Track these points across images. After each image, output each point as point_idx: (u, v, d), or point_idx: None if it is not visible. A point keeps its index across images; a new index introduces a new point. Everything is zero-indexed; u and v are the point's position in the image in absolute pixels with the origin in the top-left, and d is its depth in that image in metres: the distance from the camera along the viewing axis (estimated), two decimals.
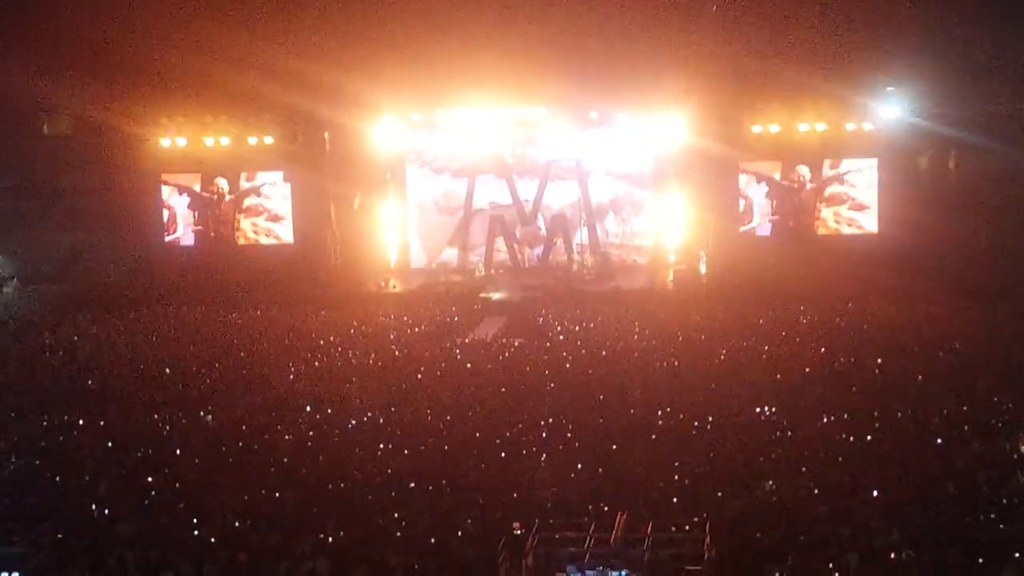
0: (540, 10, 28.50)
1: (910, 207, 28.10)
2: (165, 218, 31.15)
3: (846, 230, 29.19)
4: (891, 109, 28.51)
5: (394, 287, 29.49)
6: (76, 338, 23.73)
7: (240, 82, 28.20)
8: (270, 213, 30.87)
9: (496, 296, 28.18)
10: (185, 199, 31.09)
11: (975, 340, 20.62)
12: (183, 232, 31.16)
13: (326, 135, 30.26)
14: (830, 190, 29.16)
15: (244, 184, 30.87)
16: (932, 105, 28.21)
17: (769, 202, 29.41)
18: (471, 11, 28.30)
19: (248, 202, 30.93)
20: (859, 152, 28.85)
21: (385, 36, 28.59)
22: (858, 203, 29.03)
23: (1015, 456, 13.99)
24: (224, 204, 31.00)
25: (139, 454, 15.19)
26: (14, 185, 32.08)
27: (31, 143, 31.87)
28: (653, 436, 15.43)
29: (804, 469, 13.65)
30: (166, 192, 31.07)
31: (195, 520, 12.42)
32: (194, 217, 31.11)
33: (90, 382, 19.47)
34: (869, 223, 29.00)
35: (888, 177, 28.75)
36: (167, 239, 31.19)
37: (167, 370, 20.35)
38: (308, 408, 17.24)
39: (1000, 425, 15.28)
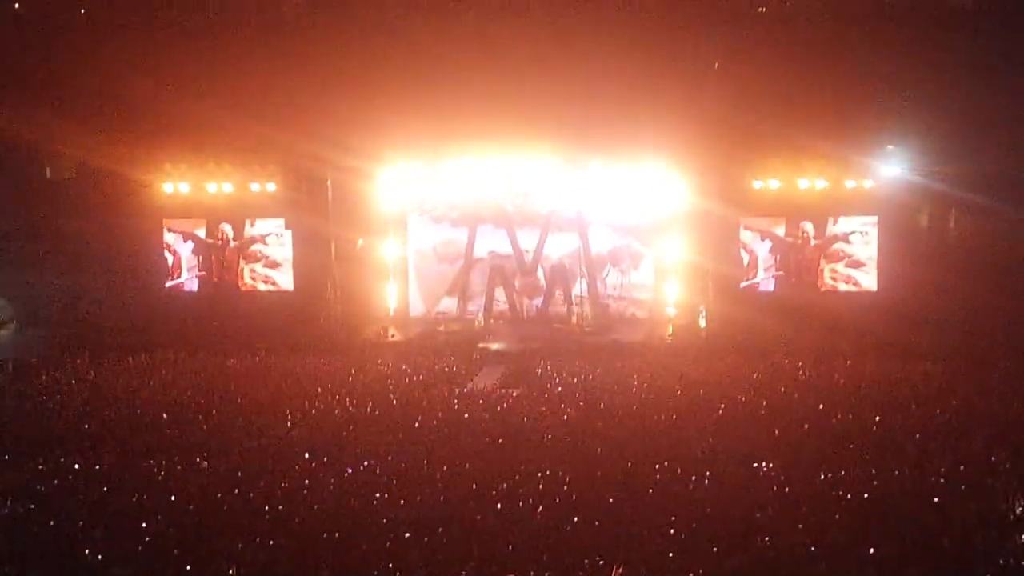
0: (543, 65, 28.66)
1: (909, 265, 28.15)
2: (169, 263, 31.13)
3: (843, 287, 29.17)
4: (891, 167, 28.61)
5: (393, 336, 29.45)
6: (73, 382, 23.66)
7: (243, 129, 28.33)
8: (268, 260, 30.84)
9: (495, 346, 28.16)
10: (189, 244, 31.07)
11: (973, 398, 20.59)
12: (186, 277, 31.13)
13: (328, 183, 30.29)
14: (833, 247, 29.18)
15: (248, 230, 30.86)
16: (932, 163, 28.33)
17: (772, 257, 29.42)
18: (477, 65, 28.49)
19: (251, 249, 30.92)
20: (859, 209, 28.87)
21: (389, 87, 28.75)
22: (855, 260, 29.02)
23: (1012, 516, 13.95)
24: (228, 250, 30.98)
25: (134, 499, 15.15)
26: (14, 228, 32.11)
27: (32, 187, 31.93)
28: (650, 490, 15.40)
29: (801, 526, 13.62)
30: (170, 238, 31.04)
31: (188, 567, 12.37)
32: (198, 262, 31.09)
33: (87, 426, 19.41)
34: (867, 280, 28.98)
35: (888, 235, 28.78)
36: (168, 284, 31.15)
37: (164, 415, 20.30)
38: (305, 455, 17.20)
39: (997, 484, 15.25)
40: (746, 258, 29.53)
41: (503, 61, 28.88)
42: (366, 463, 16.78)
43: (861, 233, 28.84)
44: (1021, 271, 27.73)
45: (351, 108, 28.29)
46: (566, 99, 28.28)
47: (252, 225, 30.83)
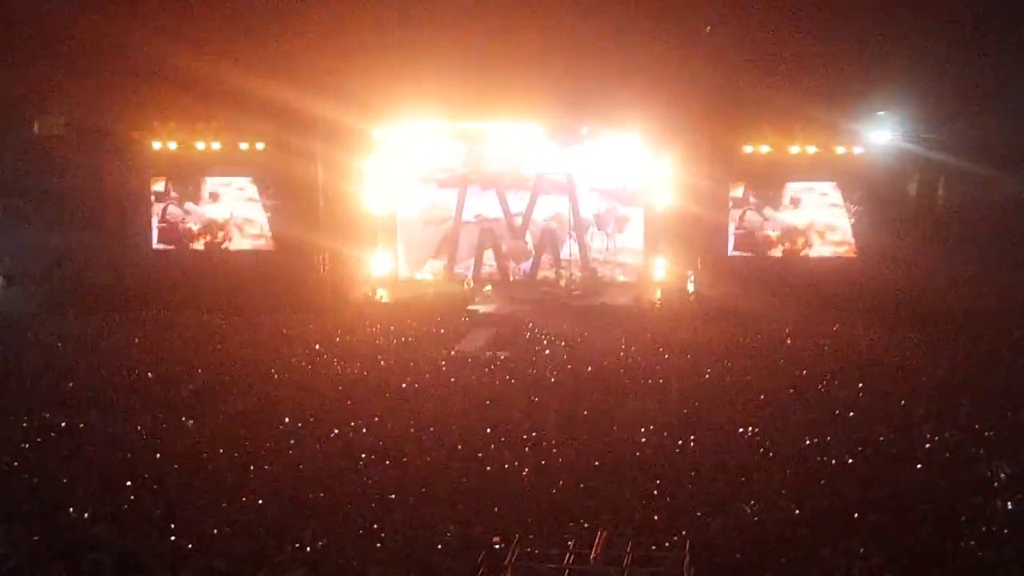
0: (533, 31, 28.46)
1: (897, 232, 28.17)
2: (154, 222, 31.02)
3: (829, 252, 29.18)
4: (882, 133, 28.55)
5: (381, 297, 29.43)
6: (58, 340, 23.61)
7: (234, 86, 28.13)
8: (254, 221, 30.78)
9: (483, 309, 28.14)
10: (175, 203, 30.96)
11: (958, 366, 20.64)
12: (169, 235, 31.03)
13: (317, 143, 30.16)
14: (819, 214, 29.15)
15: (232, 189, 30.75)
16: (923, 129, 28.26)
17: (760, 224, 29.41)
18: (467, 31, 28.30)
19: (234, 207, 30.80)
20: (849, 176, 28.86)
21: (379, 49, 28.55)
22: (843, 228, 29.03)
23: (996, 482, 14.00)
24: (212, 209, 30.90)
25: (118, 458, 15.14)
26: (1, 185, 31.94)
27: (19, 143, 31.69)
28: (636, 453, 15.43)
29: (785, 491, 13.66)
30: (156, 196, 30.93)
31: (172, 526, 12.37)
32: (182, 221, 30.98)
33: (71, 384, 19.37)
34: (855, 247, 28.99)
35: (876, 201, 28.78)
36: (155, 243, 31.05)
37: (149, 374, 20.28)
38: (289, 417, 17.19)
39: (982, 451, 15.31)
40: (732, 225, 29.52)
41: (493, 27, 28.66)
42: (352, 424, 16.78)
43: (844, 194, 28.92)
44: (1008, 239, 27.71)
45: (345, 68, 28.11)
46: (556, 65, 28.12)
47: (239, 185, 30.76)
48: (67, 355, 22.17)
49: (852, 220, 28.96)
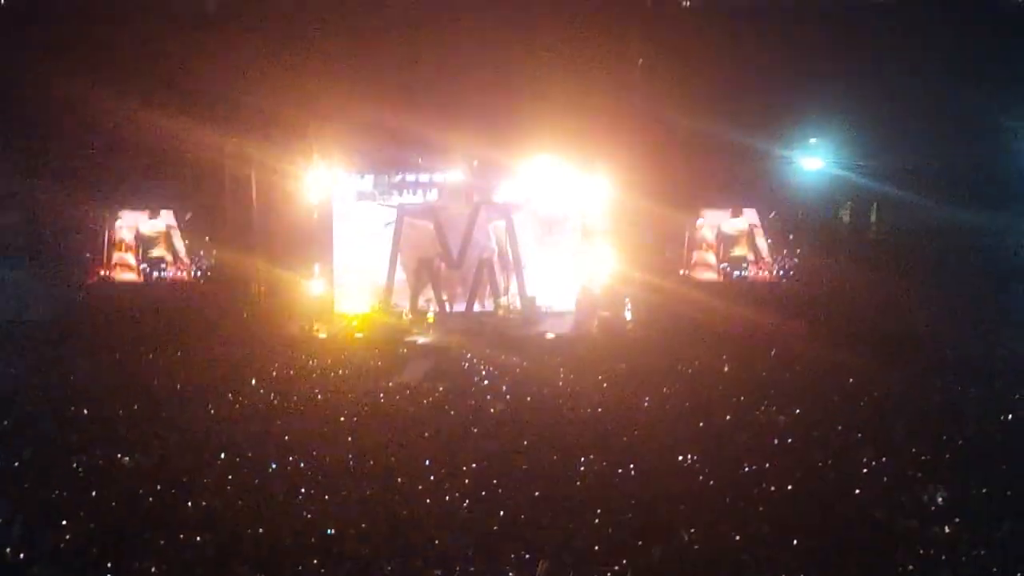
0: (479, 62, 28.58)
1: (833, 257, 28.53)
2: (88, 254, 30.76)
3: (764, 274, 29.50)
4: (814, 160, 28.92)
5: (318, 331, 29.26)
6: None
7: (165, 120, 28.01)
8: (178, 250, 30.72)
9: (421, 340, 28.11)
10: (108, 234, 30.75)
11: (894, 389, 20.85)
12: (105, 268, 30.81)
13: (252, 175, 30.04)
14: (757, 238, 29.46)
15: (169, 221, 30.65)
16: (855, 157, 28.66)
17: (700, 247, 29.71)
18: (413, 71, 28.41)
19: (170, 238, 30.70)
20: (782, 201, 29.21)
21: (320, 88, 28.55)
22: (778, 250, 29.37)
23: (932, 507, 14.15)
24: (145, 240, 30.73)
25: (54, 495, 14.93)
26: None
27: None
28: (576, 483, 15.45)
29: (726, 517, 13.72)
30: (97, 227, 30.73)
31: (110, 564, 12.23)
32: (116, 254, 30.74)
33: (5, 421, 19.09)
34: (791, 272, 29.31)
35: (811, 226, 29.14)
36: (90, 277, 30.77)
37: (84, 410, 20.02)
38: (228, 450, 17.05)
39: (919, 475, 15.47)
40: (671, 249, 29.78)
41: (437, 57, 28.77)
42: (290, 458, 16.66)
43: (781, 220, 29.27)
44: (939, 263, 28.13)
45: (279, 96, 28.07)
46: (498, 97, 28.29)
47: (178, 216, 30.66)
48: (4, 393, 21.85)
49: (785, 246, 29.28)
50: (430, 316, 29.91)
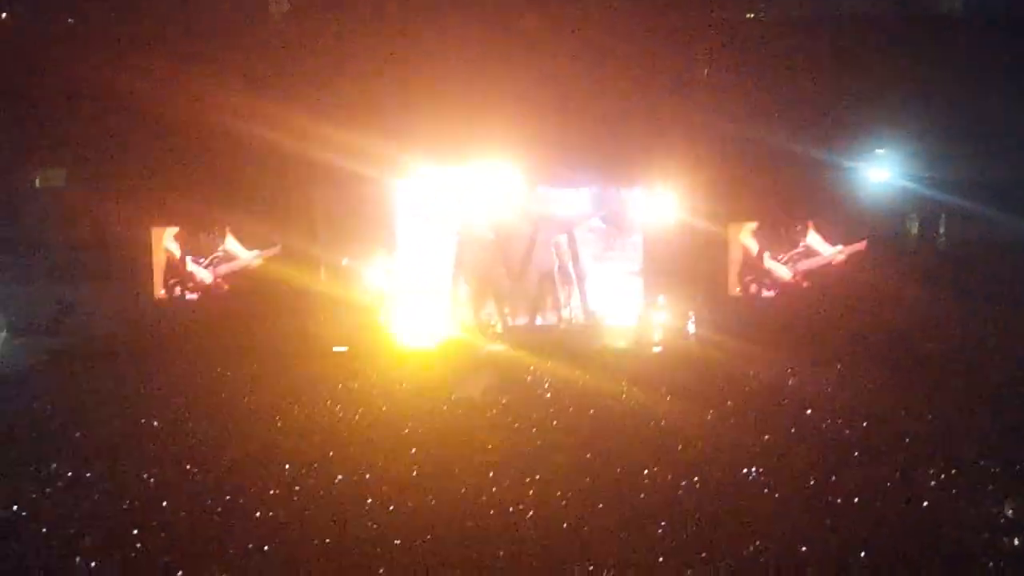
0: (533, 77, 28.61)
1: (896, 271, 28.29)
2: (160, 271, 31.14)
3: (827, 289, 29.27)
4: (880, 172, 28.67)
5: (381, 344, 29.39)
6: (64, 390, 23.61)
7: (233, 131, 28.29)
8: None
9: (484, 353, 28.17)
10: (177, 252, 31.12)
11: (962, 404, 20.64)
12: (175, 285, 31.15)
13: (315, 194, 30.33)
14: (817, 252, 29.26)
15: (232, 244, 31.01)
16: (921, 168, 28.38)
17: (761, 262, 29.52)
18: (471, 88, 28.49)
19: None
20: (849, 214, 29.00)
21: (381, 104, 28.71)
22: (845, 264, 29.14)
23: (1003, 520, 14.00)
24: (215, 258, 31.04)
25: (124, 507, 15.13)
26: (5, 238, 32.07)
27: (23, 196, 31.82)
28: (640, 495, 15.42)
29: (792, 531, 13.64)
30: (161, 244, 31.10)
31: (180, 574, 12.36)
32: (184, 270, 31.10)
33: (78, 434, 19.36)
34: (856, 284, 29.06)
35: (877, 239, 28.89)
36: (160, 292, 31.15)
37: (155, 423, 20.28)
38: (294, 463, 17.18)
39: (988, 488, 15.31)
40: (734, 264, 29.62)
41: (495, 77, 28.82)
42: (356, 470, 16.77)
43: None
44: (1008, 278, 27.79)
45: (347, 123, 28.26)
46: (557, 110, 28.32)
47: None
48: (73, 405, 22.16)
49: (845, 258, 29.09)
50: (497, 327, 29.98)
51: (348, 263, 30.91)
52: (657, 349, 28.35)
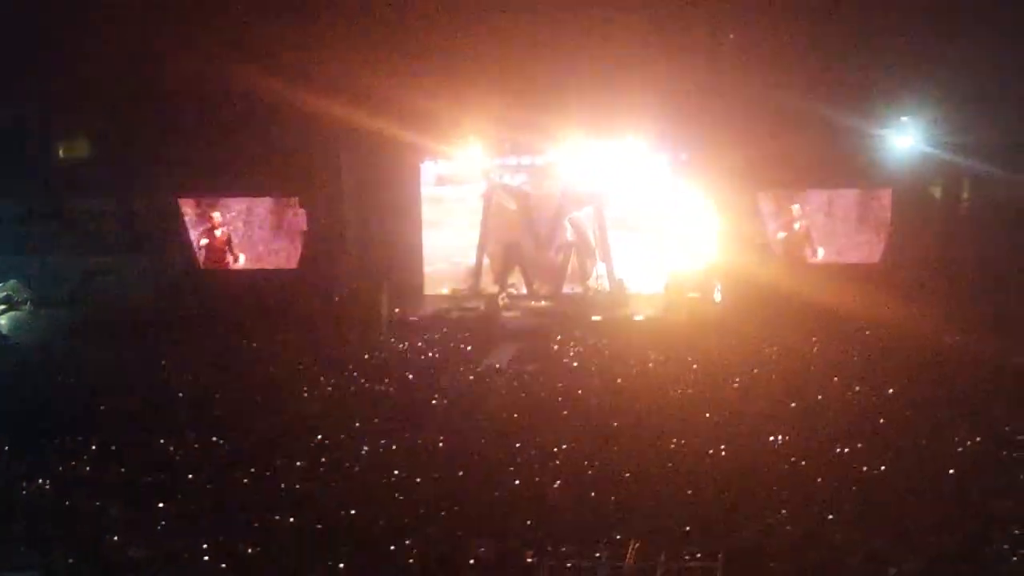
0: (559, 51, 28.43)
1: (924, 235, 28.13)
2: (181, 241, 31.25)
3: (854, 258, 29.10)
4: (905, 138, 28.45)
5: (409, 314, 29.44)
6: (89, 362, 23.74)
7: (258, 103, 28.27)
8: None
9: (510, 322, 28.19)
10: (197, 222, 31.24)
11: (991, 369, 20.51)
12: (198, 255, 31.28)
13: (340, 156, 30.34)
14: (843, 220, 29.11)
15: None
16: (946, 134, 28.11)
17: (791, 229, 29.39)
18: (498, 58, 28.34)
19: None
20: (875, 181, 28.78)
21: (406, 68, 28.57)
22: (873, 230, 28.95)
23: None
24: (237, 227, 31.15)
25: (150, 479, 15.21)
26: (28, 209, 32.21)
27: (44, 168, 31.87)
28: (668, 464, 15.41)
29: (817, 498, 13.62)
30: (182, 215, 31.22)
31: (206, 546, 12.43)
32: (208, 241, 31.21)
33: (102, 406, 19.46)
34: (882, 251, 28.89)
35: (902, 206, 28.69)
36: (182, 263, 31.28)
37: (180, 394, 20.37)
38: (321, 435, 17.24)
39: (1015, 455, 15.25)
40: (761, 231, 29.50)
41: (522, 49, 28.66)
42: (382, 441, 16.81)
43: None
44: None
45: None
46: (583, 81, 28.19)
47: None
48: (99, 378, 22.27)
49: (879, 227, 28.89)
50: (502, 300, 29.98)
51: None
52: (683, 317, 28.19)
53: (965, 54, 26.89)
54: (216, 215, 31.17)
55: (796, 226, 29.44)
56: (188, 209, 31.32)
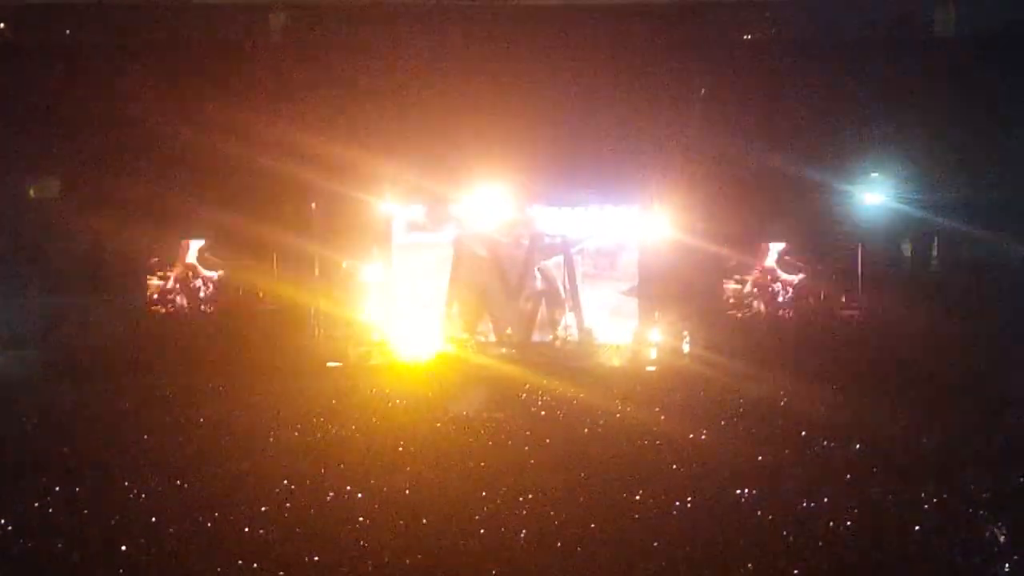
0: (523, 99, 28.60)
1: (893, 292, 28.30)
2: (150, 285, 31.10)
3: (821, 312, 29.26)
4: (875, 195, 28.68)
5: (375, 359, 29.36)
6: (52, 404, 23.52)
7: (228, 150, 28.28)
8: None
9: (477, 369, 28.14)
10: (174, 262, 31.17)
11: (956, 427, 20.59)
12: (166, 299, 31.12)
13: (313, 205, 30.31)
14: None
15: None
16: (915, 191, 28.38)
17: (763, 282, 29.53)
18: (468, 107, 28.48)
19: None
20: (844, 238, 28.99)
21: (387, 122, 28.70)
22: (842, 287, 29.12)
23: (995, 545, 13.96)
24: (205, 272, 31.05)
25: (112, 523, 15.04)
26: None
27: (16, 206, 31.71)
28: (634, 515, 15.36)
29: (784, 552, 13.59)
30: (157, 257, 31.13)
31: None
32: (177, 284, 31.06)
33: (65, 449, 19.26)
34: (852, 308, 29.06)
35: (872, 262, 28.89)
36: (152, 306, 31.11)
37: (144, 437, 20.19)
38: (285, 480, 17.11)
39: (981, 512, 15.26)
40: (731, 286, 29.61)
41: (494, 104, 28.83)
42: (348, 487, 16.70)
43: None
44: (1002, 300, 27.79)
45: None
46: (554, 132, 28.36)
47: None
48: (63, 419, 22.06)
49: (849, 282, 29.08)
50: (471, 347, 29.96)
51: (347, 266, 30.93)
52: (651, 368, 28.25)
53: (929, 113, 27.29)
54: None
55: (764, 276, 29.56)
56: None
